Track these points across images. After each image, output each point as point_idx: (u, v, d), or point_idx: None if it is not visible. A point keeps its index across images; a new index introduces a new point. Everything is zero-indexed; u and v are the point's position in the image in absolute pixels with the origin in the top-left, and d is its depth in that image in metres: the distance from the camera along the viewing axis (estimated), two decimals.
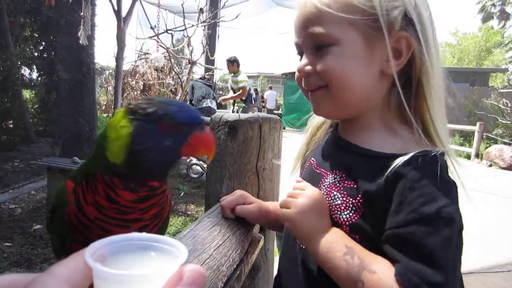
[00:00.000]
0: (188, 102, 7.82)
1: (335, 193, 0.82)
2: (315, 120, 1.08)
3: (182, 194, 5.62)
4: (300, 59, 0.90)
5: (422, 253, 0.66)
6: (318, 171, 0.91)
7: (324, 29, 0.80)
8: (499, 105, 12.63)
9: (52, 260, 3.39)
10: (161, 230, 0.70)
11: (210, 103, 7.32)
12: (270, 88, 20.40)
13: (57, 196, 0.65)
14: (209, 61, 11.16)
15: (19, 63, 8.32)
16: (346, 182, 0.82)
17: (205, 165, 5.39)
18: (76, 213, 0.61)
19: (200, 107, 7.21)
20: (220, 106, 8.83)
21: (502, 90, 14.27)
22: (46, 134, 8.14)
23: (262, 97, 19.24)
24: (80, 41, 4.85)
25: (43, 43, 8.22)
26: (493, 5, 30.73)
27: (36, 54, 8.59)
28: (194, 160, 6.33)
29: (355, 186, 0.79)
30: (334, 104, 0.85)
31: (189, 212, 4.93)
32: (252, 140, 1.26)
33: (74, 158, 5.05)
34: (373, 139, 0.83)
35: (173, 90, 11.87)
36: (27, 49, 8.75)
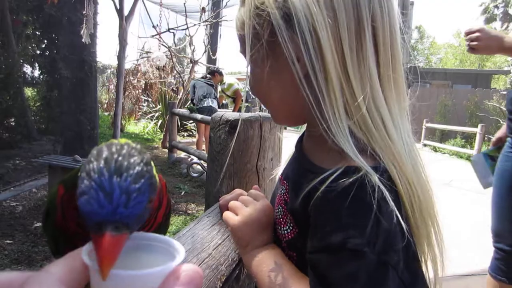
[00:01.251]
0: (190, 101, 7.86)
1: (279, 206, 0.78)
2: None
3: (183, 193, 5.63)
4: None
5: (324, 284, 0.60)
6: (281, 180, 0.86)
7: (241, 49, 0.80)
8: (501, 107, 12.61)
9: (53, 258, 3.40)
10: (160, 232, 0.69)
11: (211, 102, 7.38)
12: None
13: (50, 200, 0.62)
14: (211, 60, 11.17)
15: (21, 61, 8.33)
16: (288, 195, 0.77)
17: (205, 164, 5.39)
18: (61, 222, 0.58)
19: (201, 106, 7.25)
20: (223, 106, 8.88)
21: (504, 92, 14.24)
22: (48, 132, 8.14)
23: None
24: (83, 40, 4.85)
25: (45, 41, 8.22)
26: (496, 6, 30.67)
27: (38, 52, 8.59)
28: (195, 159, 6.35)
29: (289, 201, 0.75)
30: (274, 115, 0.84)
31: (189, 211, 4.93)
32: (253, 139, 1.26)
33: (75, 156, 5.06)
34: (316, 151, 0.75)
35: (174, 89, 11.88)
36: (29, 47, 8.76)
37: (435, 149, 12.81)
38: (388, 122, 0.66)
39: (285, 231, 0.74)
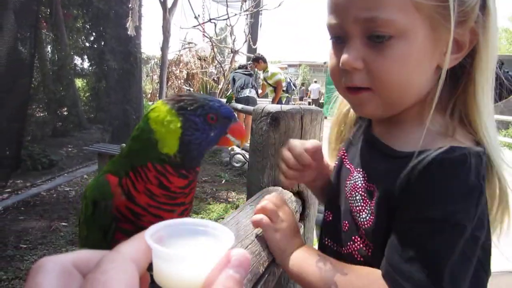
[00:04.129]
0: (230, 92, 8.00)
1: (356, 193, 0.78)
2: (344, 107, 0.97)
3: (223, 181, 5.75)
4: (335, 46, 0.75)
5: (419, 255, 0.62)
6: (347, 165, 0.86)
7: (387, 15, 0.64)
8: None
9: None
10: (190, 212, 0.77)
11: (249, 92, 7.55)
12: (315, 82, 23.13)
13: (98, 189, 0.68)
14: (251, 50, 11.20)
15: (72, 53, 8.75)
16: (367, 183, 0.76)
17: (247, 155, 5.48)
18: (126, 204, 0.65)
19: (240, 96, 7.39)
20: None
21: None
22: (97, 121, 8.56)
23: (307, 89, 22.75)
24: (128, 32, 5.05)
25: (94, 34, 8.59)
26: None
27: (87, 44, 9.01)
28: (237, 150, 6.45)
29: (373, 188, 0.74)
30: (383, 107, 0.74)
31: (230, 199, 5.04)
32: (294, 131, 1.28)
33: (122, 144, 5.30)
34: (401, 136, 0.75)
35: (215, 79, 12.05)
36: (79, 40, 9.19)
37: None
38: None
39: (364, 219, 0.75)
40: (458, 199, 0.62)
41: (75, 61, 9.27)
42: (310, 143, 0.95)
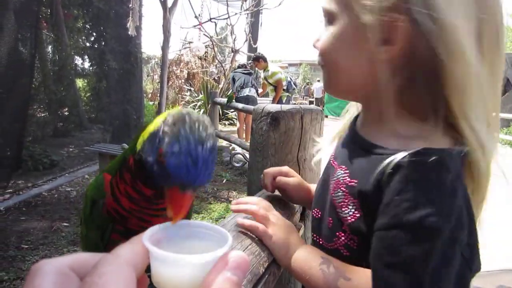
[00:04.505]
0: (230, 92, 8.02)
1: (338, 189, 0.78)
2: (353, 109, 0.98)
3: (224, 181, 5.76)
4: None
5: (397, 261, 0.62)
6: (332, 164, 0.87)
7: (327, 3, 0.76)
8: None
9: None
10: (188, 217, 0.75)
11: (248, 91, 7.60)
12: (318, 81, 22.92)
13: (96, 188, 0.68)
14: (252, 49, 11.21)
15: (72, 53, 8.76)
16: (349, 179, 0.77)
17: (247, 154, 5.48)
18: (112, 205, 0.64)
19: (239, 96, 7.44)
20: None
21: None
22: (97, 121, 8.57)
23: (310, 89, 23.03)
24: (129, 32, 5.05)
25: (94, 34, 8.60)
26: None
27: (88, 44, 9.02)
28: (238, 150, 6.46)
29: (355, 184, 0.74)
30: (329, 85, 0.83)
31: (231, 199, 5.04)
32: (294, 131, 1.28)
33: (123, 144, 5.32)
34: (381, 133, 0.75)
35: (216, 78, 12.05)
36: (80, 40, 9.20)
37: None
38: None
39: (347, 214, 0.75)
40: (430, 202, 0.61)
41: (76, 61, 9.29)
42: (273, 170, 1.12)
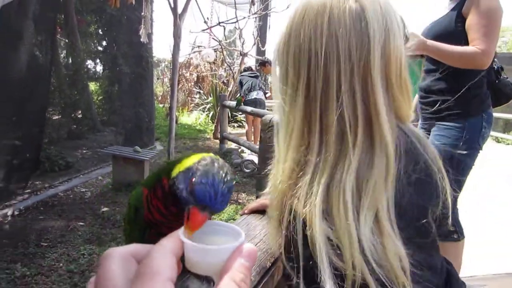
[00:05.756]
0: (239, 95, 8.13)
1: None
2: None
3: (234, 183, 5.87)
4: None
5: None
6: None
7: None
8: None
9: (119, 240, 3.78)
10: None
11: (256, 94, 7.69)
12: None
13: (136, 199, 0.81)
14: (260, 52, 11.32)
15: (86, 58, 8.97)
16: None
17: (256, 159, 5.61)
18: (148, 215, 0.78)
19: (248, 99, 7.54)
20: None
21: None
22: (110, 123, 8.73)
23: None
24: (141, 39, 5.21)
25: (106, 38, 8.80)
26: None
27: (100, 49, 9.22)
28: (248, 157, 6.62)
29: None
30: None
31: (240, 200, 5.17)
32: None
33: (135, 147, 5.47)
34: None
35: (225, 81, 12.19)
36: (92, 45, 9.41)
37: (497, 140, 12.07)
38: None
39: None
40: None
41: (89, 66, 9.50)
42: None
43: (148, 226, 0.80)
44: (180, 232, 0.49)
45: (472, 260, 2.89)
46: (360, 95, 0.74)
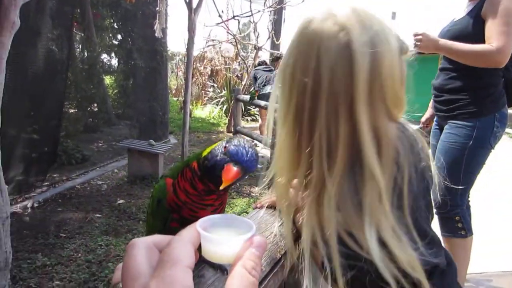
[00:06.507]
0: (252, 89, 8.15)
1: None
2: None
3: (246, 177, 5.93)
4: None
5: None
6: None
7: None
8: None
9: (134, 231, 3.88)
10: (223, 212, 0.95)
11: (270, 89, 7.70)
12: None
13: (159, 190, 0.90)
14: (275, 46, 11.28)
15: (101, 52, 9.09)
16: None
17: (268, 154, 5.64)
18: (173, 198, 0.85)
19: (262, 93, 7.56)
20: None
21: None
22: (124, 117, 8.85)
23: None
24: (156, 34, 5.26)
25: (122, 33, 8.89)
26: None
27: (115, 43, 9.33)
28: (261, 152, 6.65)
29: None
30: None
31: (253, 194, 5.22)
32: None
33: (150, 140, 5.56)
34: None
35: (239, 75, 12.21)
36: (107, 39, 9.53)
37: None
38: None
39: None
40: None
41: (104, 60, 9.62)
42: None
43: (170, 213, 0.87)
44: (198, 225, 0.53)
45: (481, 257, 2.89)
46: (344, 121, 0.79)
